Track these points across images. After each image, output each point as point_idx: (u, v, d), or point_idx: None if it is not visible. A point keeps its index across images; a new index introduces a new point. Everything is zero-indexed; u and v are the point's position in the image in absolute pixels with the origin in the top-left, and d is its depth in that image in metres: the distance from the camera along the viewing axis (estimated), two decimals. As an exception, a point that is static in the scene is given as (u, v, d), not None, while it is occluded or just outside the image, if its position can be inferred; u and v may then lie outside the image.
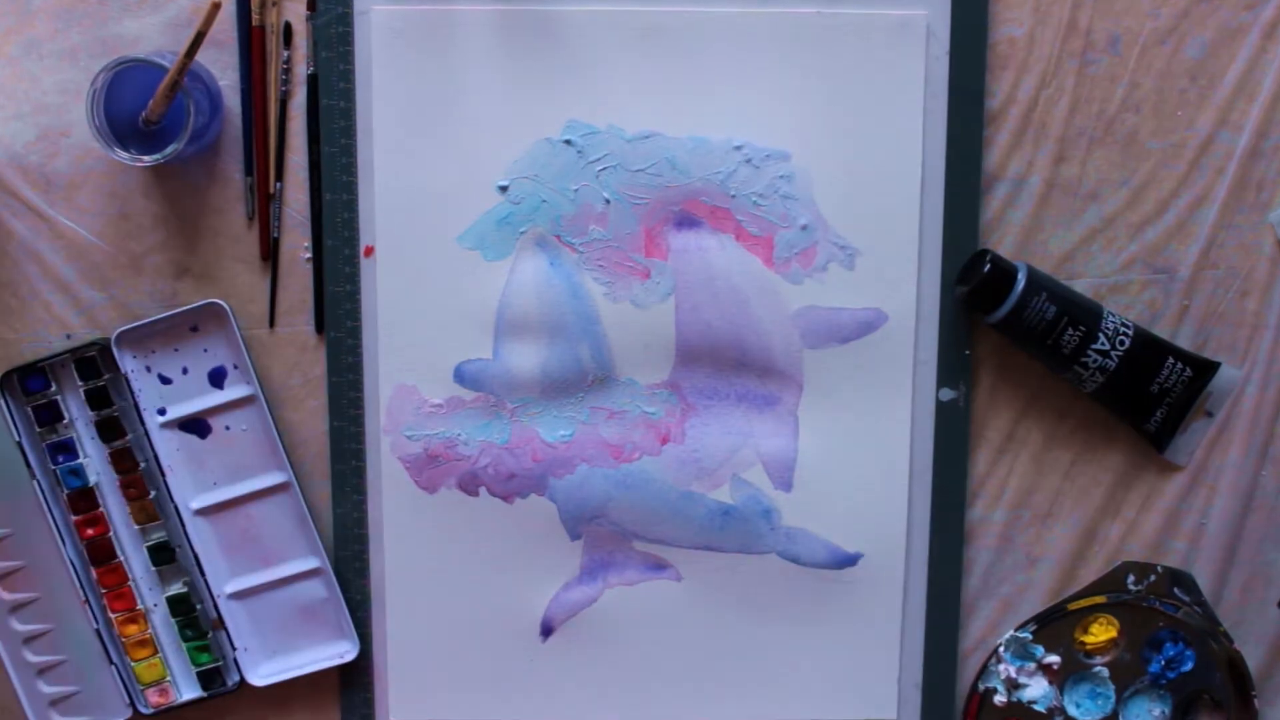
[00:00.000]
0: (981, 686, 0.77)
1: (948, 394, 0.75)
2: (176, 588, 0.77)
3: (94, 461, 0.76)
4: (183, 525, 0.75)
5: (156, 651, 0.77)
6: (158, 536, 0.76)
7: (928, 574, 0.76)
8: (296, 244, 0.76)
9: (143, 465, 0.76)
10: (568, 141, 0.74)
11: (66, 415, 0.75)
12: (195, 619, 0.77)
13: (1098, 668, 0.75)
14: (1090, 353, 0.73)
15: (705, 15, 0.73)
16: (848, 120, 0.73)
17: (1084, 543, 0.77)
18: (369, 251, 0.75)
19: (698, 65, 0.73)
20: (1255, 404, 0.76)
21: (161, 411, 0.76)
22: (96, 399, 0.75)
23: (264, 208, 0.75)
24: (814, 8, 0.73)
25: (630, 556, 0.76)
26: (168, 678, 0.77)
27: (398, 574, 0.76)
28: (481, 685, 0.77)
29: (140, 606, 0.76)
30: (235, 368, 0.76)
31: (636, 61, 0.73)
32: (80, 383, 0.75)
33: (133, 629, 0.76)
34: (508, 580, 0.76)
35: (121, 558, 0.76)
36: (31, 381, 0.75)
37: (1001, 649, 0.76)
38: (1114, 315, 0.73)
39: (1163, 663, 0.75)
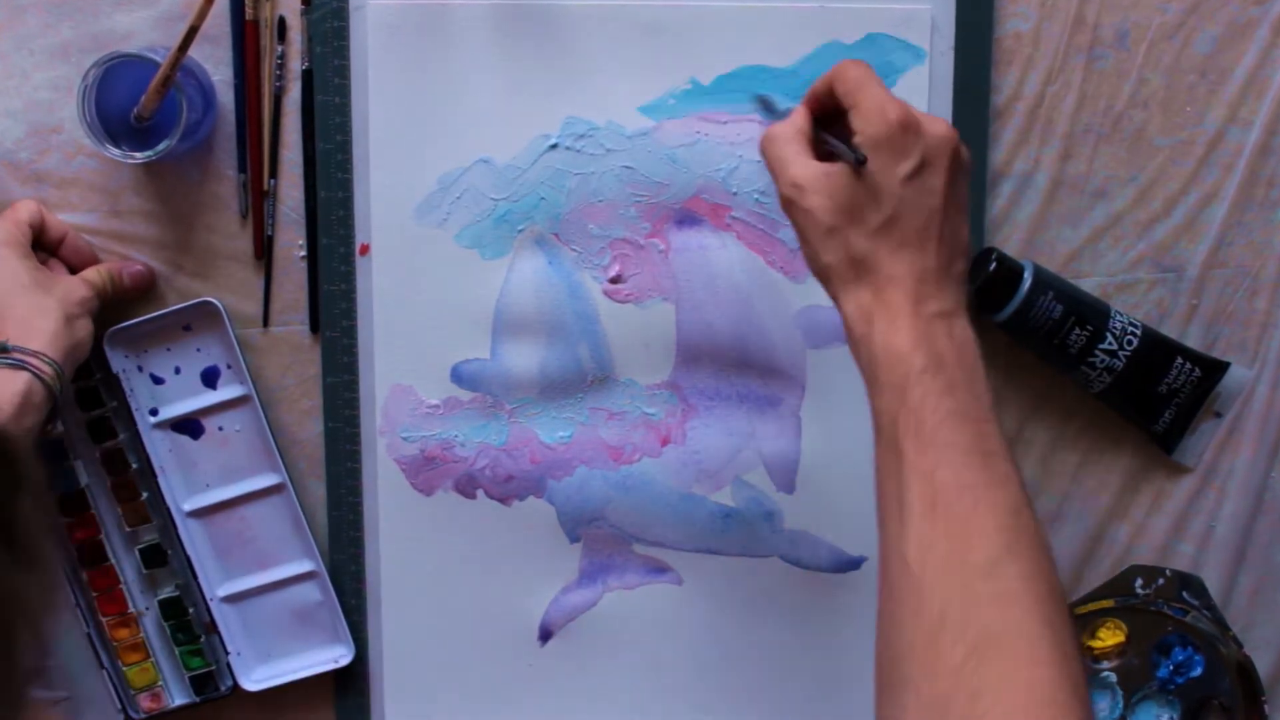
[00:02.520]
0: (987, 692, 0.76)
1: (953, 394, 0.75)
2: (169, 591, 0.76)
3: (85, 463, 0.75)
4: (175, 528, 0.75)
5: (148, 656, 0.76)
6: (149, 539, 0.75)
7: (932, 577, 0.75)
8: (291, 242, 0.75)
9: (134, 466, 0.75)
10: (566, 138, 0.73)
11: (57, 415, 0.74)
12: (188, 623, 0.76)
13: (1105, 672, 0.75)
14: (1098, 352, 0.72)
15: (707, 10, 0.72)
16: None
17: (1091, 546, 0.76)
18: (364, 250, 0.74)
19: (699, 60, 0.72)
20: (1265, 404, 0.75)
21: (154, 412, 0.75)
22: (87, 399, 0.74)
23: (258, 205, 0.74)
24: (817, 2, 0.72)
25: (630, 560, 0.76)
26: (159, 682, 0.76)
27: (394, 577, 0.76)
28: (479, 690, 0.77)
29: (132, 610, 0.76)
30: (229, 367, 0.75)
31: (636, 57, 0.72)
32: (71, 382, 0.74)
33: (124, 633, 0.75)
34: (505, 584, 0.76)
35: (113, 560, 0.75)
36: (22, 382, 0.74)
37: (1007, 654, 0.75)
38: (1122, 314, 0.73)
39: (1171, 668, 0.74)
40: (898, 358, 0.54)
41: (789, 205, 0.58)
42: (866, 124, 0.56)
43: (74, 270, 0.73)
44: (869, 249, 0.56)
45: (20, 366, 0.66)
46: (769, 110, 0.68)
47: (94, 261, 0.74)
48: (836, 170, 0.57)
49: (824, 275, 0.58)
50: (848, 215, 0.56)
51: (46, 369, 0.66)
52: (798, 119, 0.60)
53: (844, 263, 0.57)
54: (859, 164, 0.56)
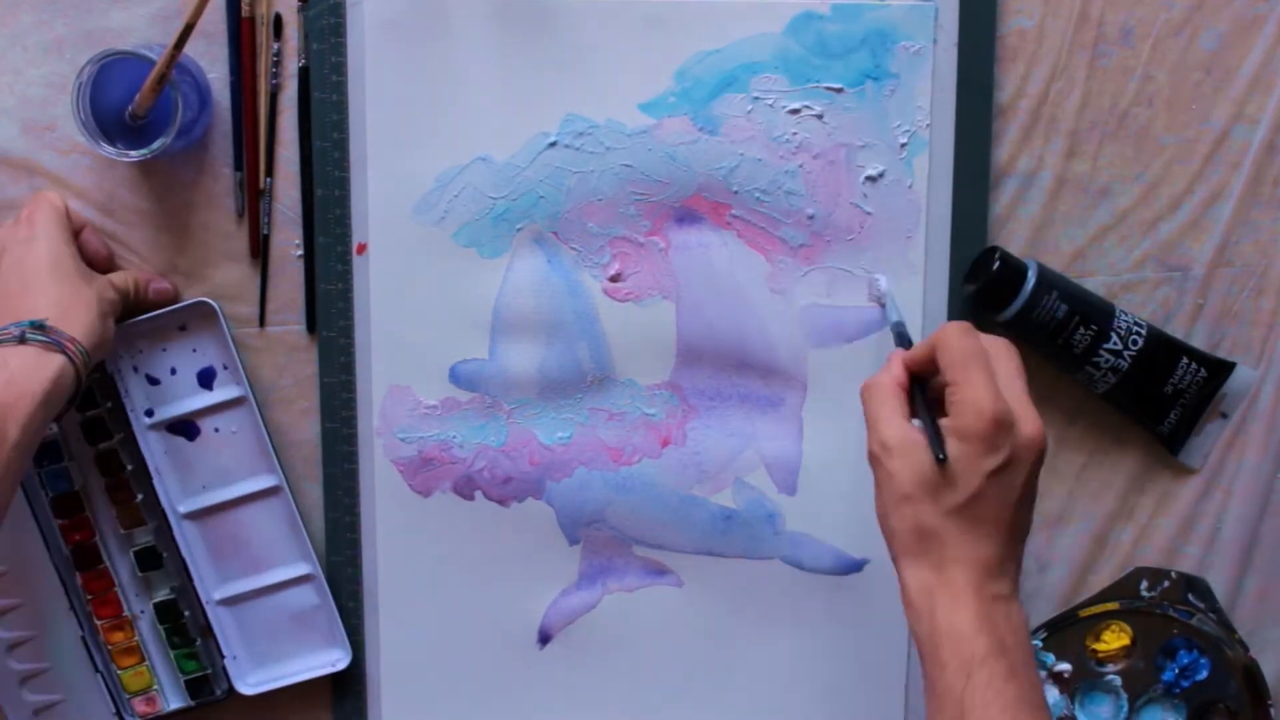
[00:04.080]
0: (990, 695, 0.75)
1: (956, 395, 0.74)
2: (164, 594, 0.75)
3: (80, 464, 0.74)
4: (170, 530, 0.74)
5: (143, 659, 0.75)
6: (144, 541, 0.75)
7: (935, 580, 0.75)
8: (287, 241, 0.74)
9: (129, 468, 0.74)
10: (565, 136, 0.72)
11: (74, 404, 0.73)
12: (183, 626, 0.75)
13: (1110, 676, 0.74)
14: (1102, 352, 0.71)
15: (709, 6, 0.71)
16: (853, 114, 0.72)
17: (1096, 548, 0.76)
18: (361, 249, 0.73)
19: (700, 57, 0.72)
20: (1271, 405, 0.75)
21: (149, 413, 0.74)
22: (82, 400, 0.73)
23: (254, 204, 0.74)
24: (818, -2, 0.71)
25: (630, 562, 0.75)
26: (155, 686, 0.75)
27: (391, 580, 0.75)
28: (477, 694, 0.76)
29: (126, 613, 0.75)
30: (225, 368, 0.74)
31: (637, 54, 0.72)
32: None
33: (119, 636, 0.75)
34: (504, 586, 0.75)
35: (107, 563, 0.74)
36: (15, 382, 0.73)
37: (1011, 657, 0.75)
38: (1126, 314, 0.72)
39: (1177, 671, 0.74)
40: (962, 638, 0.56)
41: (874, 460, 0.60)
42: (961, 415, 0.57)
43: (88, 264, 0.71)
44: (939, 526, 0.58)
45: (57, 349, 0.64)
46: (902, 341, 0.68)
47: (109, 257, 0.73)
48: (925, 443, 0.58)
49: (889, 537, 0.60)
50: (925, 490, 0.58)
51: (79, 356, 0.65)
52: (896, 372, 0.61)
53: (911, 532, 0.58)
54: (939, 461, 0.57)
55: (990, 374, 0.58)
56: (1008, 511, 0.58)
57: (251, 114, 0.73)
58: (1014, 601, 0.58)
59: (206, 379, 0.74)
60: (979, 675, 0.55)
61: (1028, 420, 0.58)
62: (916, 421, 0.60)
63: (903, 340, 0.67)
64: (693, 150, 0.72)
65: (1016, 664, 0.56)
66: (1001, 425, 0.57)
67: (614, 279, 0.73)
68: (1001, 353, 0.60)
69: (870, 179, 0.72)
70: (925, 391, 0.61)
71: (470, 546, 0.75)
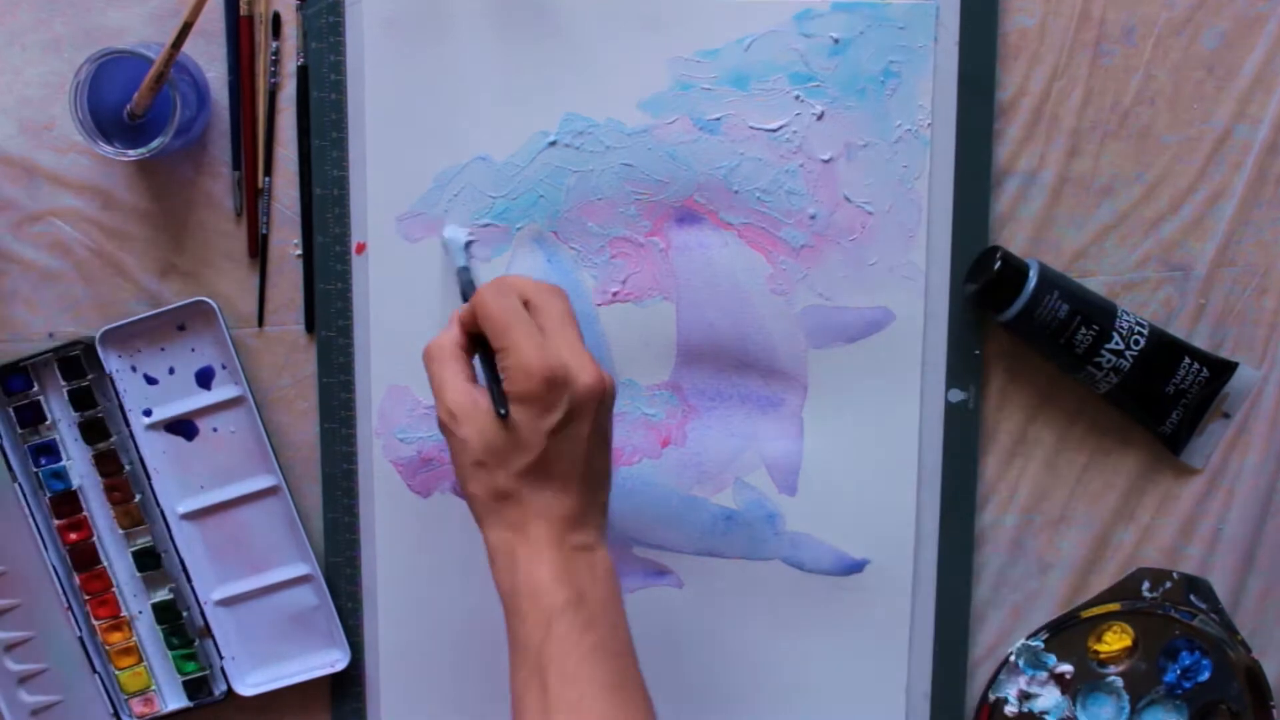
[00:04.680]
0: (992, 696, 0.75)
1: (957, 395, 0.74)
2: (162, 594, 0.75)
3: (77, 464, 0.74)
4: (168, 530, 0.74)
5: (141, 660, 0.75)
6: (143, 541, 0.75)
7: (936, 580, 0.75)
8: (286, 240, 0.74)
9: (128, 468, 0.74)
10: (565, 135, 0.72)
11: (49, 416, 0.73)
12: (181, 626, 0.75)
13: (1112, 677, 0.74)
14: (1104, 352, 0.71)
15: (708, 4, 0.71)
16: (854, 113, 0.72)
17: (1097, 548, 0.75)
18: (360, 248, 0.73)
19: (701, 56, 0.71)
20: (1274, 405, 0.74)
21: (147, 413, 0.74)
22: (80, 400, 0.73)
23: (252, 203, 0.73)
24: (819, -3, 0.71)
25: (630, 563, 0.75)
26: (153, 687, 0.75)
27: (390, 580, 0.75)
28: (476, 695, 0.76)
29: (124, 613, 0.75)
30: (223, 368, 0.74)
31: (637, 52, 0.71)
32: (63, 383, 0.73)
33: (117, 637, 0.74)
34: (503, 587, 0.75)
35: (105, 563, 0.74)
36: (13, 381, 0.73)
37: (1012, 658, 0.75)
38: (1128, 314, 0.72)
39: (1179, 672, 0.74)
40: (541, 590, 0.57)
41: (444, 428, 0.60)
42: (512, 380, 0.58)
43: None
44: (513, 488, 0.58)
45: None
46: (469, 289, 0.67)
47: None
48: (488, 406, 0.58)
49: (469, 501, 0.60)
50: (494, 454, 0.58)
51: None
52: (455, 334, 0.61)
53: (489, 495, 0.59)
54: (501, 416, 0.57)
55: (532, 332, 0.58)
56: (579, 465, 0.59)
57: (250, 113, 0.73)
58: (598, 551, 0.59)
59: (205, 379, 0.74)
60: (557, 626, 0.56)
61: (582, 370, 0.58)
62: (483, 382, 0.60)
63: (470, 288, 0.67)
64: (693, 149, 0.72)
65: (596, 613, 0.57)
66: (553, 383, 0.57)
67: (615, 296, 0.73)
68: (545, 303, 0.60)
69: (871, 178, 0.72)
70: (488, 349, 0.60)
71: (469, 547, 0.74)
